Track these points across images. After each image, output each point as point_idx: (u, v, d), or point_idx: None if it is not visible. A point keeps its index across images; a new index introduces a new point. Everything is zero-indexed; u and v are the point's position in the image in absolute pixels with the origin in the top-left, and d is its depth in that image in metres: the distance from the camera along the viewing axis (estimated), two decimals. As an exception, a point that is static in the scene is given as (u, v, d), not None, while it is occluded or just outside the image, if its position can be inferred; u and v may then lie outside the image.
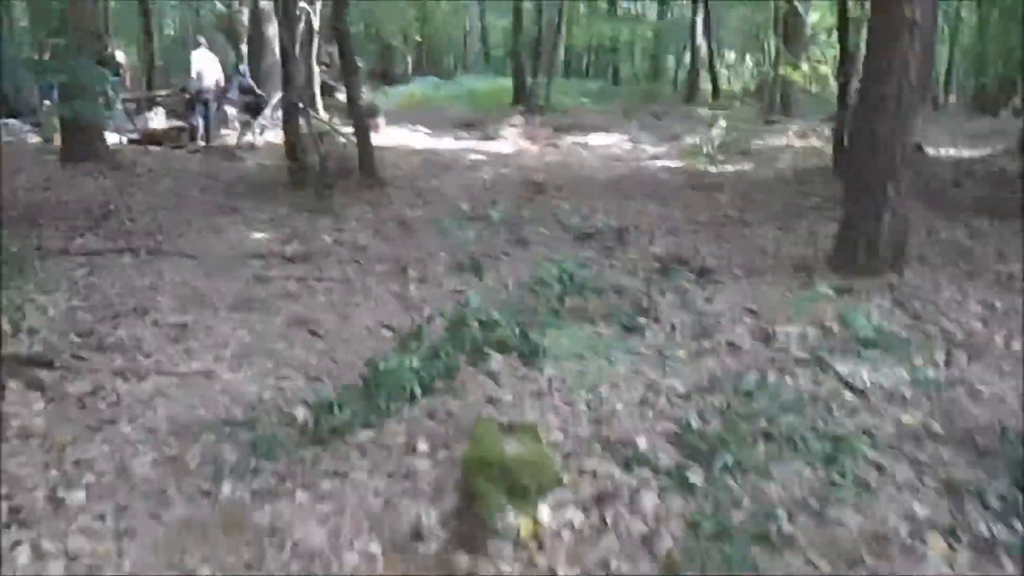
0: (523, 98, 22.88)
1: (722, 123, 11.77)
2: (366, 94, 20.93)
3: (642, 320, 4.72)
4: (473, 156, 12.14)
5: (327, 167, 7.95)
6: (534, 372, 3.98)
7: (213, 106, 12.65)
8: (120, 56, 13.45)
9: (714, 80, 25.50)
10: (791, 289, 5.24)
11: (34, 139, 11.54)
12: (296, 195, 8.20)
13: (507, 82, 28.52)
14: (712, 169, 10.61)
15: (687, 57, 36.25)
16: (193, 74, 12.34)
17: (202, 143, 12.50)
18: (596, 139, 14.25)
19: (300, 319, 4.78)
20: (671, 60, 36.78)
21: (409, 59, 37.48)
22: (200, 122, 12.55)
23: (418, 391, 3.59)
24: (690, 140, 13.52)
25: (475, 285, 5.34)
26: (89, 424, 3.37)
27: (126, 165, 9.87)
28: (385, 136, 13.55)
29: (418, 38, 30.71)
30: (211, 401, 3.66)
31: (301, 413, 3.47)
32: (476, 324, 3.93)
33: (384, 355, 3.99)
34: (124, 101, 14.10)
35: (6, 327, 4.21)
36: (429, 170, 10.54)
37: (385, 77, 32.15)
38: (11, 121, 12.90)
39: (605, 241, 6.59)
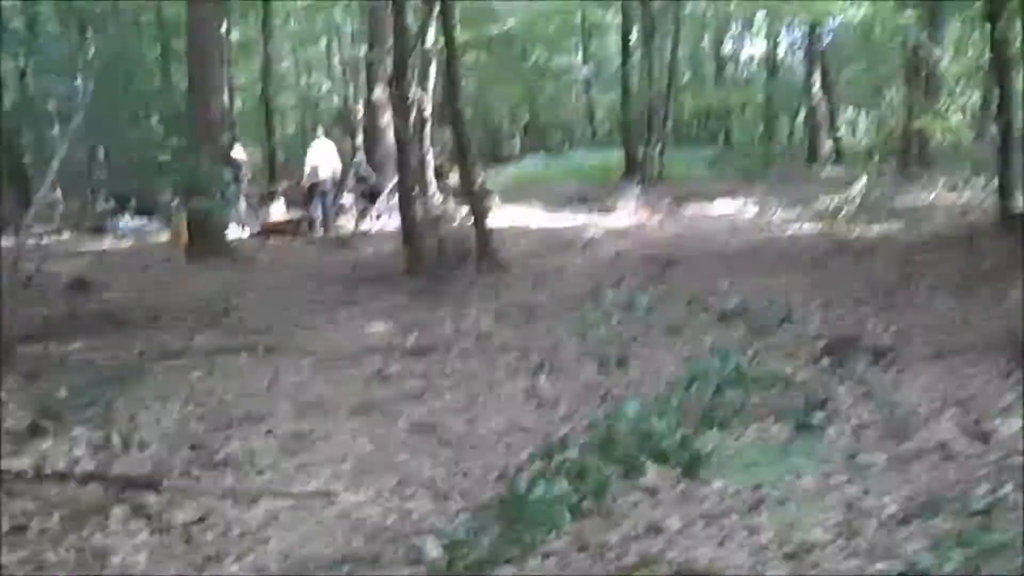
0: (635, 169, 22.51)
1: (862, 180, 10.86)
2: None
3: (819, 416, 3.97)
4: (591, 232, 11.65)
5: (445, 252, 7.64)
6: (699, 487, 3.31)
7: (330, 196, 12.81)
8: (240, 152, 13.91)
9: (835, 138, 24.38)
10: (998, 372, 4.36)
11: (164, 237, 11.93)
12: (414, 282, 7.91)
13: (617, 154, 28.33)
14: (855, 232, 9.69)
15: (801, 116, 35.52)
16: (308, 167, 12.56)
17: (320, 232, 12.62)
18: (719, 207, 13.53)
19: (424, 424, 4.30)
20: (784, 121, 35.76)
21: (517, 138, 38.14)
22: (318, 212, 12.71)
23: (566, 517, 3.00)
24: (824, 202, 12.61)
25: (615, 378, 4.75)
26: (193, 561, 2.94)
27: (247, 259, 9.95)
28: (499, 216, 13.31)
29: (526, 118, 30.97)
30: (328, 530, 3.18)
31: (431, 547, 2.93)
32: (630, 430, 3.32)
33: (519, 467, 3.43)
34: (247, 196, 14.58)
35: (116, 441, 3.92)
36: (548, 248, 10.12)
37: (494, 157, 32.66)
38: (140, 220, 13.51)
39: (754, 321, 5.87)
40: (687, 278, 7.65)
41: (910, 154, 17.19)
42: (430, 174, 15.32)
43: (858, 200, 10.61)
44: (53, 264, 9.69)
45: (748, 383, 4.27)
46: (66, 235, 13.92)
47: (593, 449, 3.41)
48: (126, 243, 13.07)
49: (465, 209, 9.37)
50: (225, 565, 2.92)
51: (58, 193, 16.41)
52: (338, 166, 13.14)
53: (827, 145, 23.64)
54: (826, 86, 23.68)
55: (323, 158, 12.69)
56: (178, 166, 6.93)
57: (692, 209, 13.44)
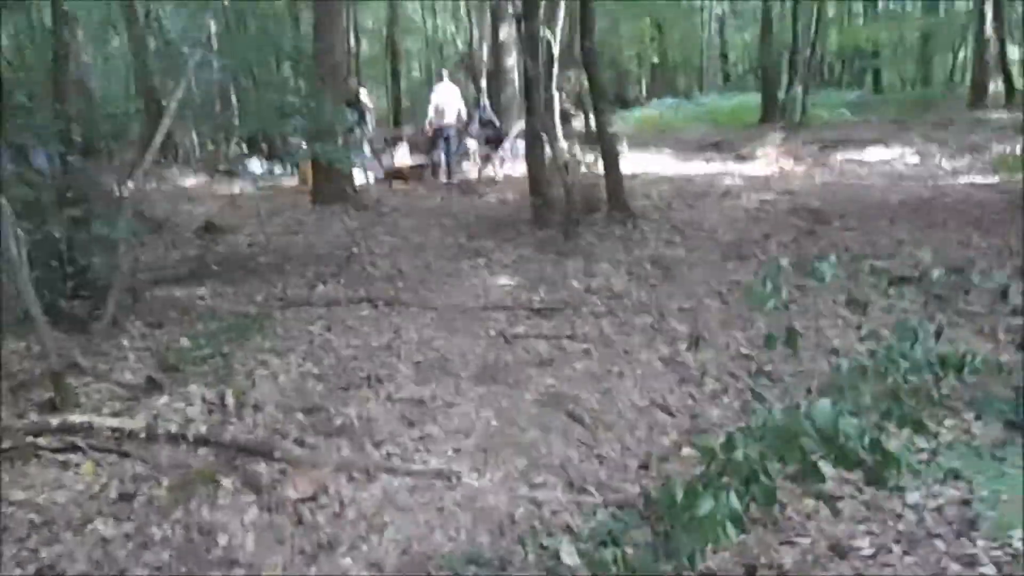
0: (774, 114, 21.03)
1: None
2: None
3: (1034, 412, 3.27)
4: (729, 181, 10.81)
5: (574, 201, 7.12)
6: (890, 499, 2.74)
7: (454, 141, 12.48)
8: (365, 96, 13.75)
9: (1008, 79, 21.91)
10: None
11: (291, 182, 11.97)
12: (541, 233, 7.45)
13: (753, 98, 26.59)
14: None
15: (961, 56, 32.16)
16: (432, 109, 12.23)
17: (444, 179, 12.35)
18: (873, 154, 12.27)
19: (553, 395, 3.88)
20: (941, 61, 32.57)
21: (644, 81, 36.63)
22: (442, 157, 12.43)
23: (730, 531, 2.50)
24: (998, 149, 11.18)
25: (768, 352, 4.15)
26: (304, 549, 2.66)
27: (371, 205, 9.77)
28: (629, 162, 12.63)
29: (654, 59, 29.52)
30: (450, 519, 2.83)
31: (566, 552, 2.52)
32: (811, 429, 2.76)
33: (663, 456, 2.96)
34: (371, 141, 14.48)
35: (231, 402, 3.71)
36: (682, 199, 9.41)
37: (621, 101, 31.50)
38: (269, 164, 13.64)
39: (932, 287, 5.07)
40: (844, 235, 6.81)
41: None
42: (557, 118, 14.80)
43: (1047, 148, 9.25)
44: (185, 207, 9.86)
45: (937, 366, 3.59)
46: (201, 178, 14.33)
47: (756, 444, 2.88)
48: (255, 187, 13.26)
49: (593, 156, 8.80)
50: (337, 555, 2.62)
51: (194, 137, 16.96)
52: (463, 110, 12.76)
53: (995, 87, 21.29)
54: (999, 20, 21.19)
55: (447, 102, 12.32)
56: (303, 109, 6.66)
57: (843, 156, 12.25)
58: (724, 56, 39.44)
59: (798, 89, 18.26)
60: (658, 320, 5.02)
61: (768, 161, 12.26)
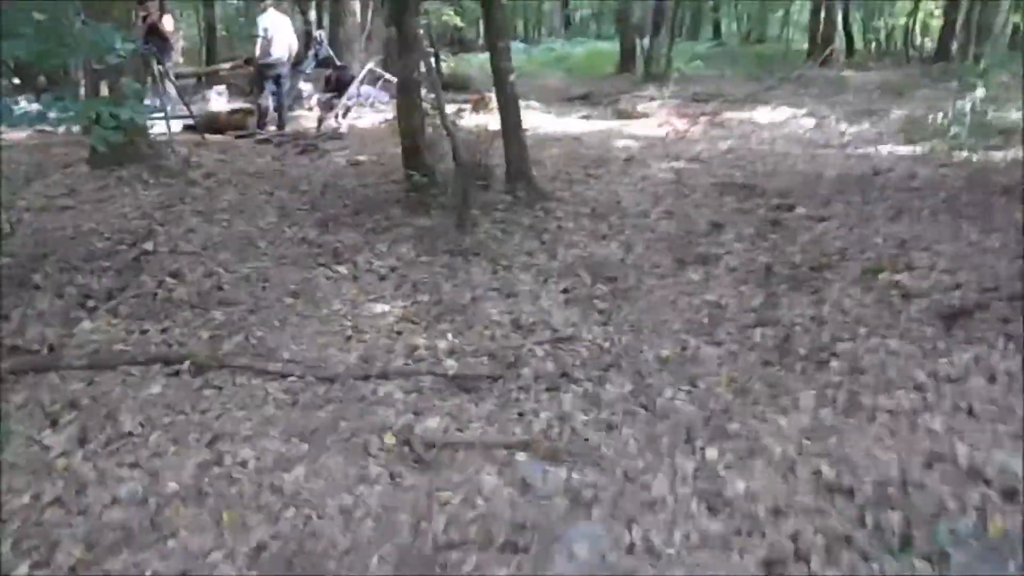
0: (631, 64, 19.78)
1: (979, 91, 8.51)
2: (445, 63, 18.11)
3: None
4: (622, 142, 9.20)
5: (468, 175, 5.13)
6: None
7: (286, 82, 9.96)
8: (169, 22, 10.83)
9: (849, 37, 22.01)
10: None
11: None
12: (423, 220, 5.42)
13: (605, 46, 25.34)
14: (983, 158, 7.42)
15: (798, 13, 32.63)
16: (259, 42, 9.61)
17: (273, 128, 9.86)
18: (763, 115, 11.11)
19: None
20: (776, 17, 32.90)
21: (480, 24, 34.47)
22: (271, 102, 9.89)
23: None
24: (898, 113, 10.32)
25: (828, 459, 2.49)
26: None
27: (176, 167, 7.24)
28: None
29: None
30: None
31: None
32: None
33: None
34: (173, 79, 11.57)
35: None
36: (580, 166, 7.65)
37: (460, 44, 29.23)
38: (45, 105, 10.47)
39: (990, 319, 3.62)
40: (818, 229, 5.32)
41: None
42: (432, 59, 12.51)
43: (968, 117, 8.31)
44: None
45: None
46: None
47: None
48: (25, 134, 10.10)
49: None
50: None
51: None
52: (294, 44, 10.22)
53: (839, 44, 21.22)
54: (843, -24, 21.01)
55: (278, 31, 9.74)
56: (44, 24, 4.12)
57: (732, 116, 10.99)
58: (565, 1, 38.13)
59: (662, 39, 16.97)
60: (641, 389, 3.24)
61: (657, 120, 10.77)
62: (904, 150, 8.30)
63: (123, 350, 3.52)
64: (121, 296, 4.18)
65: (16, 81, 13.40)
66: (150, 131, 8.21)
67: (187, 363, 3.27)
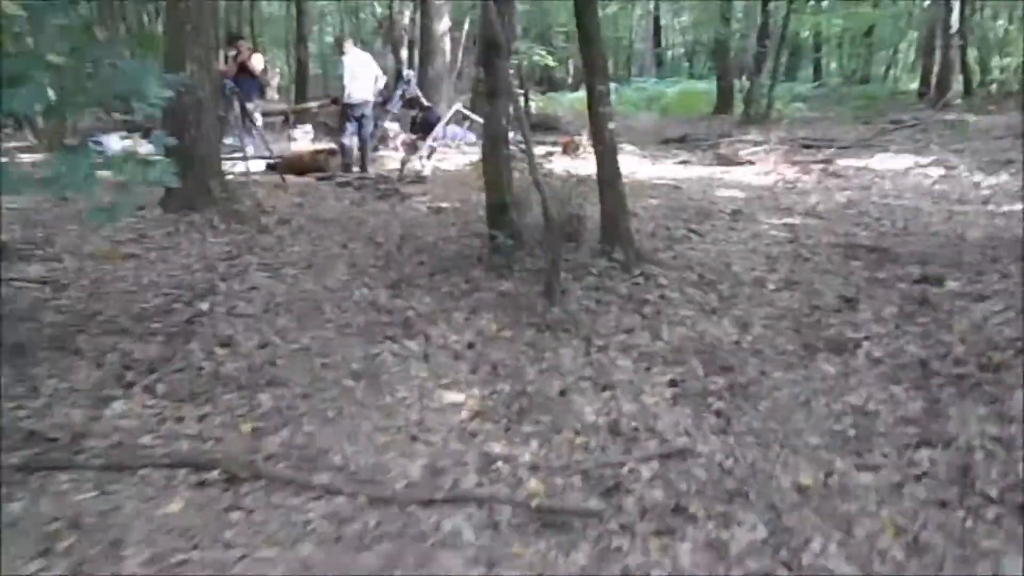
0: (729, 105, 18.94)
1: None
2: (534, 101, 17.61)
3: None
4: (726, 192, 8.43)
5: (557, 238, 4.48)
6: None
7: (369, 123, 9.60)
8: (257, 60, 10.71)
9: (967, 77, 20.56)
10: None
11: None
12: (506, 284, 4.80)
13: (697, 85, 24.52)
14: None
15: (908, 52, 31.06)
16: (347, 79, 9.27)
17: (356, 170, 9.51)
18: (881, 163, 10.13)
19: None
20: (880, 55, 31.40)
21: (571, 63, 34.17)
22: (353, 143, 9.54)
23: None
24: (1040, 166, 9.20)
25: None
26: None
27: (249, 211, 6.88)
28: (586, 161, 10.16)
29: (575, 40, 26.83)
30: None
31: None
32: None
33: None
34: (264, 116, 11.45)
35: None
36: (680, 220, 6.94)
37: (549, 84, 28.97)
38: (132, 140, 10.47)
39: None
40: (978, 311, 4.43)
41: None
42: (521, 106, 12.08)
43: None
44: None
45: None
46: (40, 156, 10.98)
47: None
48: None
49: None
50: None
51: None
52: (380, 79, 9.86)
53: (957, 86, 19.81)
54: (963, 17, 19.64)
55: (362, 70, 9.42)
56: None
57: (846, 163, 10.06)
58: (658, 38, 37.54)
59: (764, 79, 16.09)
60: (779, 534, 2.50)
61: (762, 167, 9.95)
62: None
63: (149, 445, 2.99)
64: (163, 369, 3.69)
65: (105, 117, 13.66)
66: (229, 172, 7.96)
67: (218, 471, 2.70)
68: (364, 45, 24.26)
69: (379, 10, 24.27)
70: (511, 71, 4.74)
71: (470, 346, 3.98)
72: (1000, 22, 22.91)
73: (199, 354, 3.88)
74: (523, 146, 4.72)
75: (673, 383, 3.58)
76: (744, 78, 19.99)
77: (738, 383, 3.59)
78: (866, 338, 4.10)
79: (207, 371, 3.69)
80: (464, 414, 3.28)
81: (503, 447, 2.98)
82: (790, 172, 9.43)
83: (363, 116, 9.40)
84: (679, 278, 5.04)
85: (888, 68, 31.49)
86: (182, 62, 6.42)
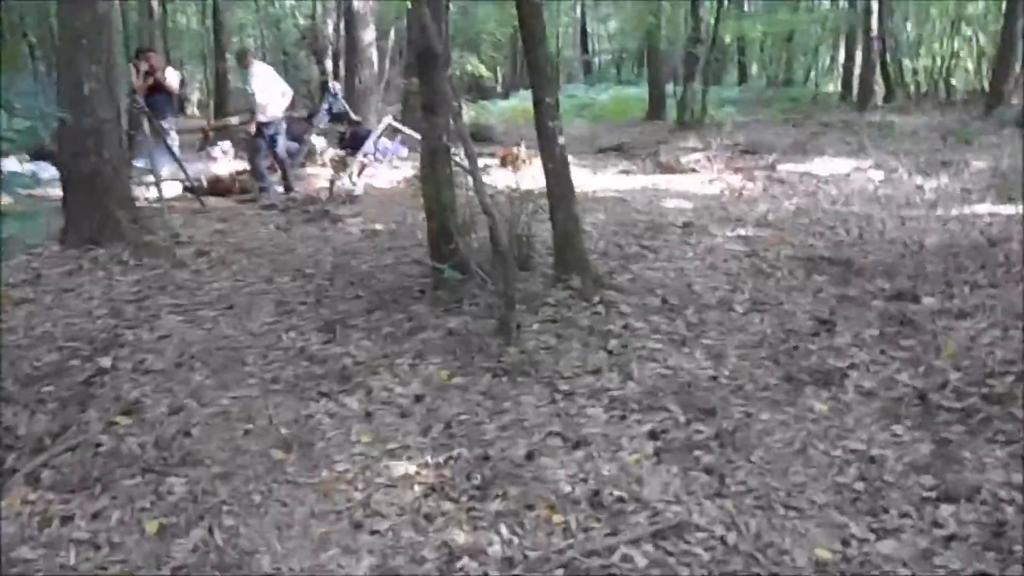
0: (661, 110, 18.84)
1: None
2: (465, 111, 17.16)
3: None
4: (673, 202, 8.12)
5: (508, 263, 4.02)
6: None
7: (281, 140, 8.88)
8: (172, 76, 9.95)
9: (887, 80, 20.98)
10: None
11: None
12: (454, 321, 4.31)
13: (629, 92, 24.44)
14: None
15: (828, 56, 31.70)
16: (259, 97, 8.53)
17: (278, 194, 8.83)
18: (822, 167, 10.02)
19: None
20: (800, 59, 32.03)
21: (499, 71, 33.84)
22: (263, 164, 8.84)
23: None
24: (977, 166, 9.20)
25: None
26: None
27: (163, 243, 6.21)
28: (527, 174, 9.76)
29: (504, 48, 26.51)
30: None
31: None
32: None
33: None
34: (180, 133, 10.68)
35: None
36: (632, 235, 6.57)
37: (479, 92, 28.55)
38: (37, 164, 9.63)
39: None
40: (962, 332, 4.15)
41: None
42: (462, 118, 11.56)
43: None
44: None
45: None
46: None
47: None
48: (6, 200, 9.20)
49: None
50: None
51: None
52: (288, 94, 9.11)
53: (877, 90, 20.16)
54: (881, 19, 20.01)
55: (272, 85, 8.77)
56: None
57: (788, 169, 9.90)
58: (584, 45, 37.58)
59: (697, 84, 15.99)
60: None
61: (706, 175, 9.70)
62: (1006, 210, 7.16)
63: (27, 559, 2.40)
64: (53, 447, 3.09)
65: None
66: (142, 198, 7.28)
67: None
68: (287, 56, 23.44)
69: (301, 21, 23.46)
70: (450, 88, 4.24)
71: (418, 399, 3.48)
72: (909, 25, 23.48)
73: (97, 425, 3.29)
74: (464, 163, 4.25)
75: (653, 435, 3.15)
76: (674, 83, 19.98)
77: (724, 430, 3.19)
78: (852, 366, 3.77)
79: (106, 448, 3.10)
80: (417, 490, 2.78)
81: (467, 535, 2.50)
82: (735, 179, 9.19)
83: (276, 134, 8.74)
84: (641, 304, 4.63)
85: (808, 71, 32.10)
86: (79, 80, 5.75)
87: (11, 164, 10.34)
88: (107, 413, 3.39)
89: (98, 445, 3.12)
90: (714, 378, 3.72)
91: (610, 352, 3.95)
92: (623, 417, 3.30)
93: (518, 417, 3.31)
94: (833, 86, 28.27)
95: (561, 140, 4.59)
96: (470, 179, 4.24)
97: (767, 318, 4.48)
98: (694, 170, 10.01)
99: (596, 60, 40.03)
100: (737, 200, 8.28)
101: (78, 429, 3.24)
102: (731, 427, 3.23)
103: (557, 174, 4.56)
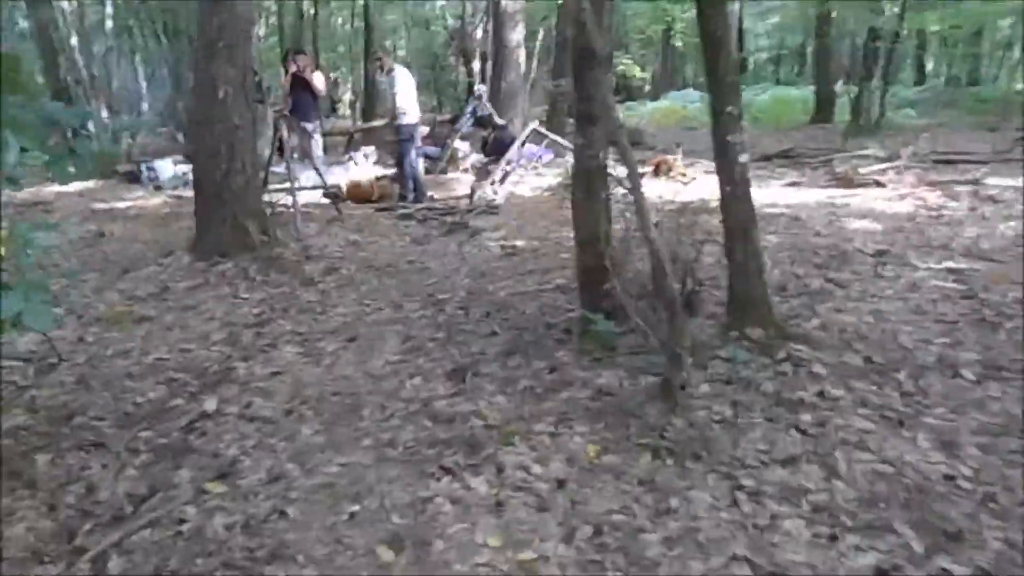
0: (829, 112, 17.25)
1: None
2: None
3: None
4: (857, 224, 7.00)
5: (679, 320, 3.23)
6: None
7: (414, 149, 8.44)
8: (319, 79, 9.77)
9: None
10: None
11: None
12: (601, 370, 3.59)
13: (792, 92, 22.75)
14: None
15: (1015, 50, 28.42)
16: (400, 100, 8.19)
17: (411, 198, 8.41)
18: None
19: None
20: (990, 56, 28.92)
21: (649, 71, 32.65)
22: (411, 171, 8.46)
23: None
24: None
25: None
26: None
27: (293, 257, 5.86)
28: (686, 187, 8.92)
29: (677, 43, 25.34)
30: None
31: None
32: None
33: None
34: (325, 136, 10.56)
35: None
36: (813, 265, 5.59)
37: (627, 91, 27.54)
38: (187, 166, 9.72)
39: None
40: None
41: None
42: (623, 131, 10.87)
43: None
44: None
45: None
46: (99, 182, 10.40)
47: None
48: (159, 199, 9.36)
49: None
50: None
51: (104, 117, 12.98)
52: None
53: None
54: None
55: (412, 90, 8.39)
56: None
57: (995, 185, 8.45)
58: (740, 44, 35.72)
59: (876, 84, 14.41)
60: None
61: (896, 188, 8.44)
62: None
63: None
64: (132, 520, 2.63)
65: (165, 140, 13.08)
66: (279, 204, 7.02)
67: None
68: (436, 59, 23.42)
69: (450, 21, 23.43)
70: (612, 97, 3.51)
71: (560, 485, 2.78)
72: None
73: (187, 489, 2.81)
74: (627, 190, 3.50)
75: (881, 573, 2.30)
76: (843, 83, 18.31)
77: (982, 570, 2.29)
78: None
79: (190, 526, 2.60)
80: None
81: None
82: (931, 196, 7.91)
83: (410, 142, 8.33)
84: (838, 363, 3.72)
85: (998, 69, 28.95)
86: (212, 83, 5.46)
87: (164, 166, 10.60)
88: (201, 473, 2.92)
89: (182, 521, 2.63)
90: (950, 478, 2.80)
91: (805, 432, 3.09)
92: (833, 539, 2.46)
93: (689, 525, 2.54)
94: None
95: (743, 158, 3.76)
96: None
97: (1009, 390, 3.46)
98: (878, 183, 8.75)
99: (754, 57, 38.05)
100: (935, 221, 7.05)
101: (165, 496, 2.78)
102: (990, 563, 2.32)
103: (737, 199, 3.73)
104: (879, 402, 3.36)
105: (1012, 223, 6.82)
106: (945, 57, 29.35)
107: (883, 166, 9.44)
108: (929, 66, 31.09)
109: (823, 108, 17.32)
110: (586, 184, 3.75)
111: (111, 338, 4.41)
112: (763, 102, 22.05)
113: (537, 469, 2.87)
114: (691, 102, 21.71)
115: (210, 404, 3.48)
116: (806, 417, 3.20)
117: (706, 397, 3.35)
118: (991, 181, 8.56)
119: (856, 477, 2.80)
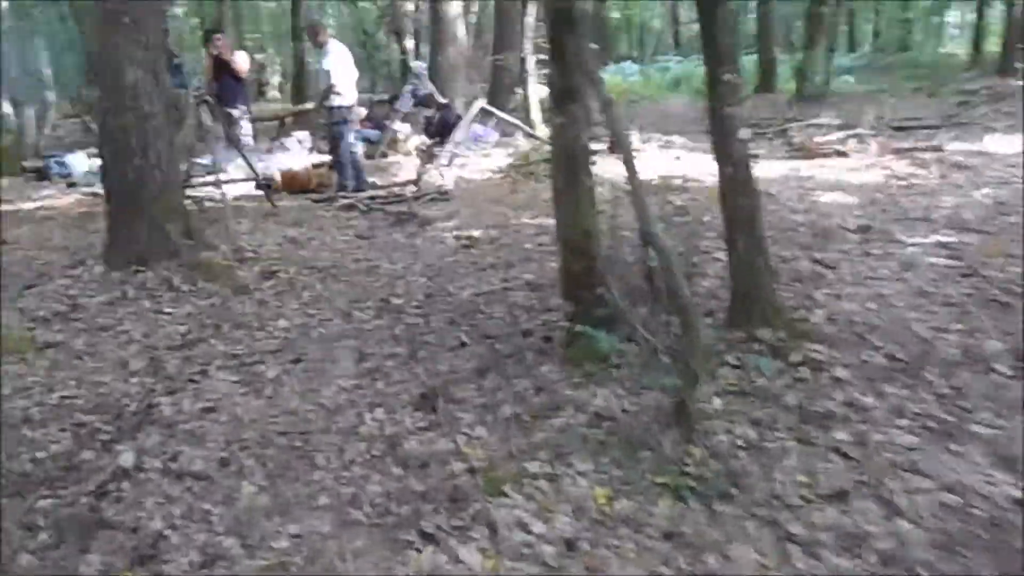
0: (771, 82, 17.02)
1: None
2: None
3: None
4: (828, 197, 6.64)
5: (693, 331, 2.73)
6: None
7: (351, 133, 7.73)
8: (241, 59, 8.96)
9: (1030, 40, 18.51)
10: None
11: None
12: (594, 388, 3.07)
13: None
14: None
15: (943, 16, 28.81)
16: (334, 78, 7.47)
17: (352, 189, 7.70)
18: (998, 146, 8.29)
19: None
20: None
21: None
22: (348, 158, 7.76)
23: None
24: None
25: None
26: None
27: (221, 262, 5.17)
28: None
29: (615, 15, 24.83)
30: None
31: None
32: None
33: None
34: (254, 122, 9.77)
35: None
36: (797, 244, 5.18)
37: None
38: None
39: None
40: None
41: None
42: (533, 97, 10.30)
43: None
44: None
45: None
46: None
47: None
48: (72, 198, 8.47)
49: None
50: None
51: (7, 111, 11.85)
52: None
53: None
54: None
55: (347, 67, 7.69)
56: None
57: (957, 150, 8.21)
58: (675, 15, 35.48)
59: (819, 51, 14.17)
60: None
61: (860, 158, 8.13)
62: None
63: None
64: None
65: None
66: (206, 199, 6.30)
67: None
68: (367, 36, 22.43)
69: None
70: (593, 65, 2.96)
71: (570, 547, 2.26)
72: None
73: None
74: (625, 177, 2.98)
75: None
76: (782, 51, 18.13)
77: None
78: None
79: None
80: None
81: None
82: (899, 165, 7.61)
83: (345, 125, 7.63)
84: (859, 363, 3.29)
85: (928, 35, 29.36)
86: (119, 66, 4.72)
87: (77, 160, 9.67)
88: (115, 558, 2.31)
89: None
90: (1022, 503, 2.38)
91: (845, 456, 2.63)
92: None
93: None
94: (954, 48, 25.70)
95: (743, 134, 3.26)
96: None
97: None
98: (840, 153, 8.43)
99: (689, 29, 37.89)
100: (908, 191, 6.73)
101: (68, 591, 2.17)
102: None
103: (737, 183, 3.24)
104: (916, 410, 2.93)
105: (986, 190, 6.55)
106: (873, 23, 29.55)
107: (842, 135, 9.15)
108: (865, 34, 31.37)
109: (765, 77, 17.07)
110: (568, 171, 3.21)
111: (8, 372, 3.70)
112: (700, 74, 21.75)
113: (539, 527, 2.34)
114: (629, 75, 21.27)
115: (127, 458, 2.85)
116: (841, 435, 2.75)
117: (722, 416, 2.87)
118: (953, 147, 8.33)
119: (917, 511, 2.35)
